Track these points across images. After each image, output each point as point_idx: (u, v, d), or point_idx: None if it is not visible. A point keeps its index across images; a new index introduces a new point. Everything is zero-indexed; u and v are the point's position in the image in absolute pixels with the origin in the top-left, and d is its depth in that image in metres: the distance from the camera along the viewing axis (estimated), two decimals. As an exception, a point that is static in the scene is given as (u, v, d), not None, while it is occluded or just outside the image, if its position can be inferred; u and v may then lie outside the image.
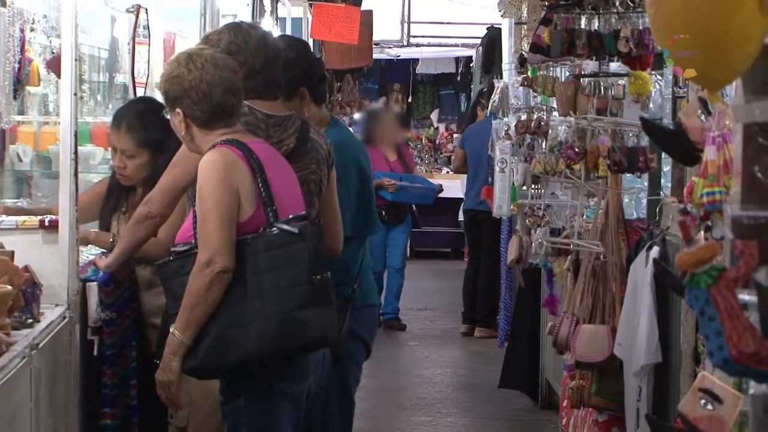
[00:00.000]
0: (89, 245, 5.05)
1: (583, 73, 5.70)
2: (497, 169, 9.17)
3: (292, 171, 4.22)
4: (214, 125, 4.07)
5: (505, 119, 8.62)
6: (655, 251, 4.73)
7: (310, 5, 10.68)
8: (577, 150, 5.27)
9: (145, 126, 5.03)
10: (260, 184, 3.98)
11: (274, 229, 3.94)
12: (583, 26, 5.33)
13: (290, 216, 3.98)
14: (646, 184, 5.60)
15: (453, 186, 14.00)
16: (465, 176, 11.60)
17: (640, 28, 5.17)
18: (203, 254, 3.91)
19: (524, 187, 7.79)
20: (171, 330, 3.97)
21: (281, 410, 4.08)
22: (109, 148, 5.26)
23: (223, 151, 4.00)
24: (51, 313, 4.30)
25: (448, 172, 16.03)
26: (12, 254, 4.11)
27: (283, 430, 4.10)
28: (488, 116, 10.42)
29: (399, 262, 11.30)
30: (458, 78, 18.06)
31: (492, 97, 9.41)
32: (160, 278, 4.17)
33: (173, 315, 4.00)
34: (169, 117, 4.19)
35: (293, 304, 3.89)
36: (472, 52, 15.80)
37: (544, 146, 6.37)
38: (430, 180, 12.88)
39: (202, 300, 3.90)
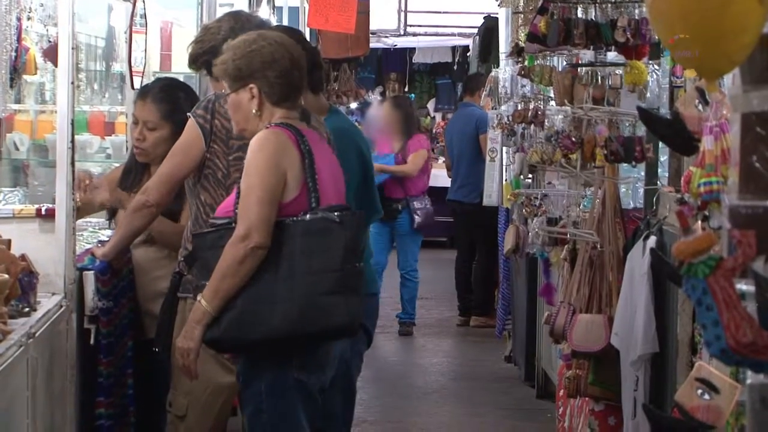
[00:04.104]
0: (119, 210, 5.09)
1: (580, 62, 5.69)
2: (487, 158, 9.18)
3: (339, 166, 4.27)
4: (282, 103, 4.12)
5: (499, 109, 8.61)
6: (652, 241, 4.73)
7: (307, -6, 10.66)
8: (573, 140, 5.27)
9: (171, 100, 5.05)
10: (307, 170, 4.02)
11: (317, 214, 3.98)
12: (579, 16, 5.32)
13: (333, 204, 4.03)
14: (643, 173, 5.59)
15: (449, 175, 13.97)
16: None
17: (637, 18, 5.17)
18: (241, 228, 3.95)
19: (521, 177, 7.80)
20: (198, 298, 4.01)
21: (297, 398, 4.10)
22: (131, 123, 5.28)
23: (276, 132, 4.05)
24: (48, 301, 4.30)
25: (444, 161, 16.00)
26: (9, 243, 4.11)
27: (300, 418, 4.11)
28: (463, 105, 10.48)
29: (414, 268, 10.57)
30: (455, 67, 18.03)
31: (484, 87, 9.42)
32: (195, 249, 4.21)
33: (201, 286, 4.03)
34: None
35: (322, 288, 3.93)
36: (468, 42, 15.76)
37: (540, 135, 6.36)
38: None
39: (232, 272, 3.94)
